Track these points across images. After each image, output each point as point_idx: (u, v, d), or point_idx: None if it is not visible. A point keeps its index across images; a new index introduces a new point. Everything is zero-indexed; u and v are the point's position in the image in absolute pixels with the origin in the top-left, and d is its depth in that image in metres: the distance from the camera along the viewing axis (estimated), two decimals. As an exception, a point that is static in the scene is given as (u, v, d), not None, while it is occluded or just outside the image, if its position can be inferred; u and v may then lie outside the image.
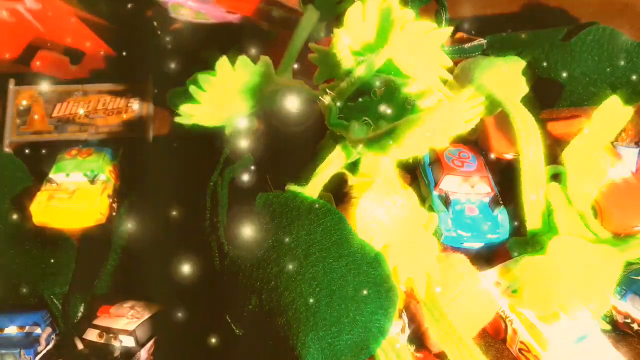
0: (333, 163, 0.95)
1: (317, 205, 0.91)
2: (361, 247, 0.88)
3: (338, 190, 0.98)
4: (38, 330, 0.99)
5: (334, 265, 0.86)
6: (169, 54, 1.24)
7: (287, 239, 0.89)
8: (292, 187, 0.94)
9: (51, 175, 1.17)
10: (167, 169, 1.12)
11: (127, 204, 1.15)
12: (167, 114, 1.16)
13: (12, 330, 0.99)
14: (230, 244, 0.94)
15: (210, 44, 1.21)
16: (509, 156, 1.09)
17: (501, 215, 1.03)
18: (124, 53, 1.33)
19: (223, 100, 1.03)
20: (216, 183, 1.00)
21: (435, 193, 1.05)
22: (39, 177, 1.18)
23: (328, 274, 0.85)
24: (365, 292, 0.85)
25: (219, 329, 0.91)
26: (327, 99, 0.92)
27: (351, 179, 0.97)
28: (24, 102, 1.28)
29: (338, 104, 0.92)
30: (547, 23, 1.23)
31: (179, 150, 1.13)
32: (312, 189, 0.94)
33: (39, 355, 0.98)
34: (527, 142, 0.99)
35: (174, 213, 1.03)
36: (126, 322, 0.97)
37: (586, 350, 0.93)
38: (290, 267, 0.86)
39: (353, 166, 0.98)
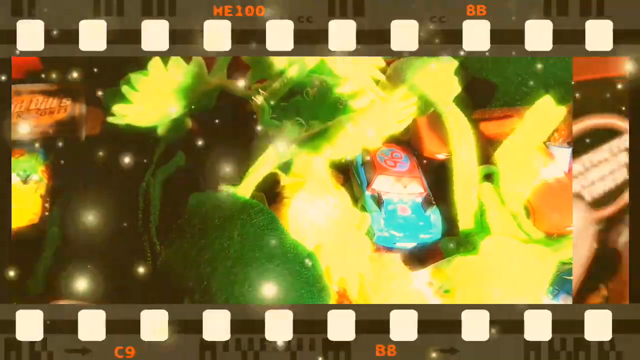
0: (266, 163, 0.94)
1: (249, 205, 0.90)
2: (294, 247, 0.88)
3: (271, 190, 0.97)
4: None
5: (266, 265, 0.86)
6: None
7: (219, 239, 0.88)
8: (225, 187, 0.93)
9: (-19, 175, 1.15)
10: (99, 169, 1.10)
11: (60, 203, 1.13)
12: (100, 113, 1.14)
13: None
14: (162, 244, 0.93)
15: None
16: (441, 156, 1.08)
17: (434, 215, 1.04)
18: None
19: (156, 100, 1.03)
20: (148, 183, 1.00)
21: (367, 193, 1.05)
22: (-32, 177, 1.16)
23: (260, 274, 0.85)
24: (297, 292, 0.85)
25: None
26: (259, 99, 0.92)
27: (284, 179, 0.97)
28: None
29: (271, 103, 0.92)
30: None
31: (111, 150, 1.12)
32: (245, 188, 0.93)
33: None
34: (459, 142, 1.00)
35: (107, 213, 1.02)
36: None
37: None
38: (223, 267, 0.86)
39: (286, 166, 0.98)
